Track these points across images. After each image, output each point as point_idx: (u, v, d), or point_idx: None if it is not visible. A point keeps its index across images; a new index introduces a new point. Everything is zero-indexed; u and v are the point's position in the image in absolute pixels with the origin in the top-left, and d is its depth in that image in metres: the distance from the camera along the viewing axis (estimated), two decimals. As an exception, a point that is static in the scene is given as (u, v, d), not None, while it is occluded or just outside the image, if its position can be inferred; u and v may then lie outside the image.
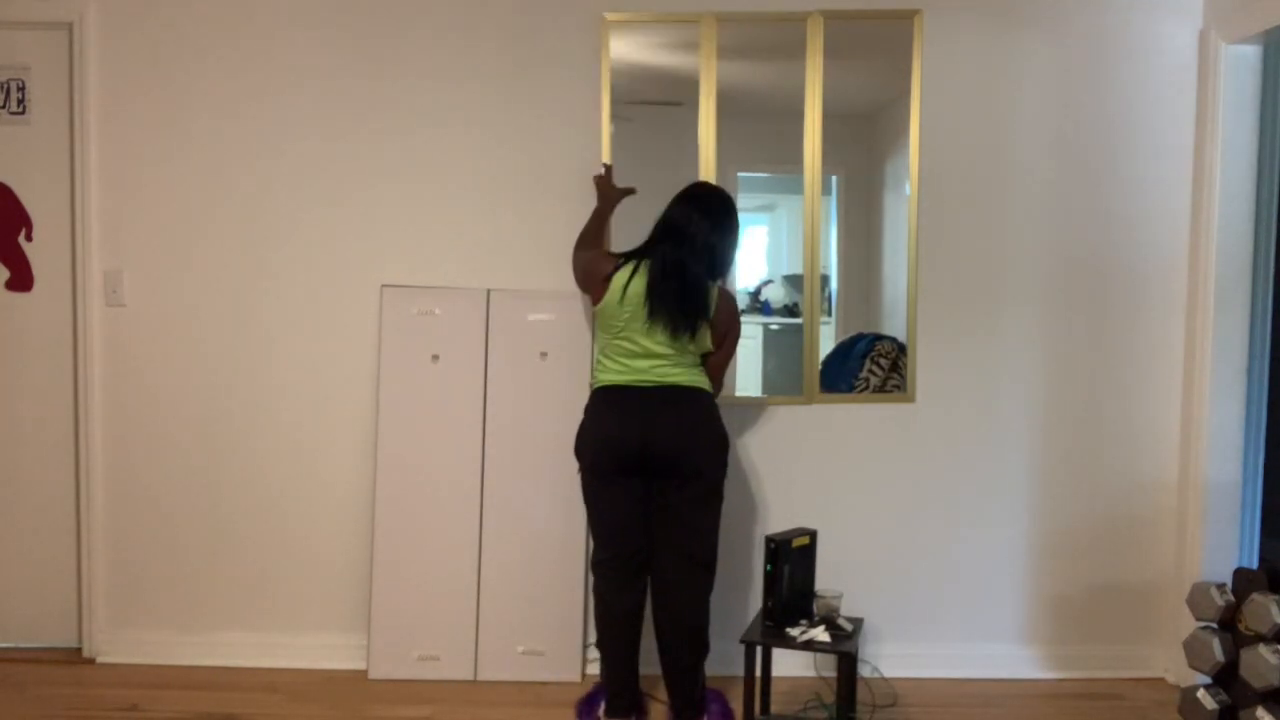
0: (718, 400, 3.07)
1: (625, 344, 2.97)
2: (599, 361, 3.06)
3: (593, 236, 3.23)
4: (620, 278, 2.96)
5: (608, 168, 3.35)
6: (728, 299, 3.06)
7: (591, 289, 3.05)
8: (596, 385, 3.03)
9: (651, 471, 2.92)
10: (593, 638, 3.41)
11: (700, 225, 2.92)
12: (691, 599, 2.99)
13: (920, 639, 3.52)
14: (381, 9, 3.46)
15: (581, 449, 3.00)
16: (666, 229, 2.96)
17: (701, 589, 3.00)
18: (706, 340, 3.00)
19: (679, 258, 2.90)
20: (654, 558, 3.00)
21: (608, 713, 3.03)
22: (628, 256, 3.00)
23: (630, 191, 3.29)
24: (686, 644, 2.99)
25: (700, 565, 2.99)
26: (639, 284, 2.93)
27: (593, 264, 3.07)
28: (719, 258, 2.97)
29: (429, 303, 3.49)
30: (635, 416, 2.92)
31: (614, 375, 2.98)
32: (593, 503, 3.01)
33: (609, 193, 3.29)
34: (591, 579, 3.08)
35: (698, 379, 2.99)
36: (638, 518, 2.97)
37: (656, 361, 2.95)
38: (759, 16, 3.40)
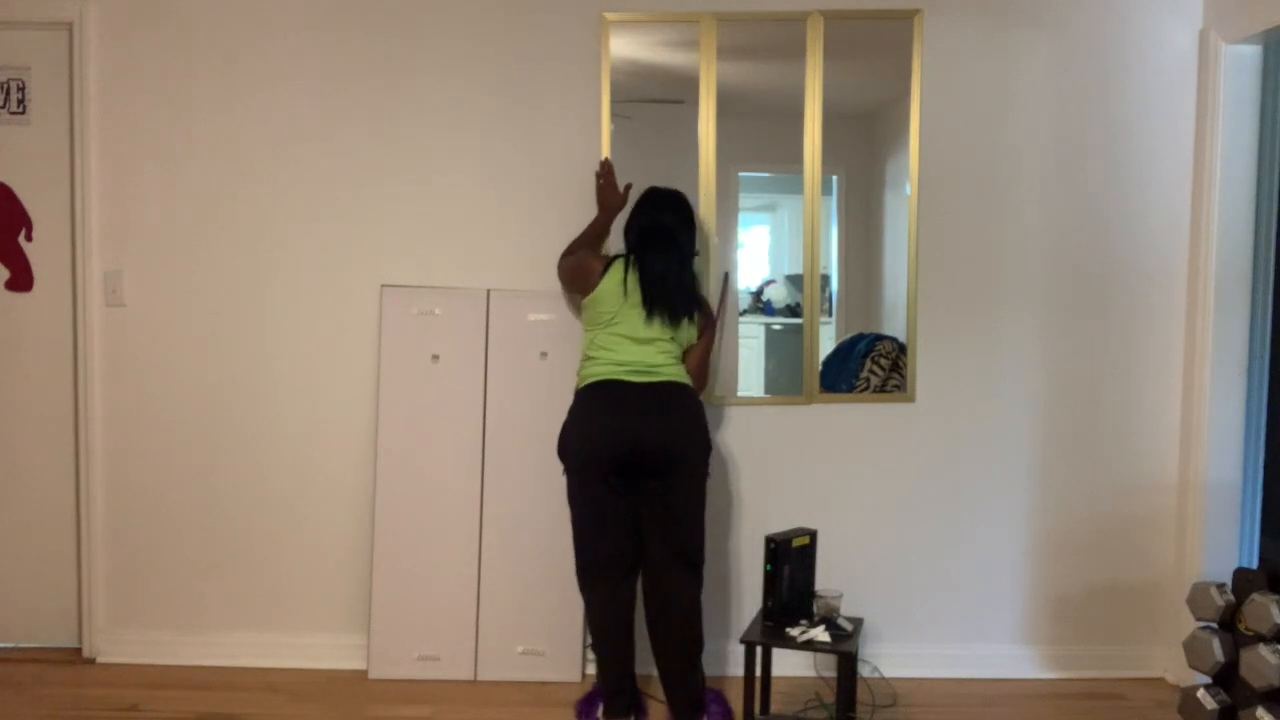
0: (705, 394, 3.09)
1: (621, 328, 3.00)
2: (587, 356, 3.06)
3: (586, 244, 3.25)
4: (616, 271, 3.04)
5: (607, 164, 3.34)
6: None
7: (586, 281, 3.10)
8: (583, 383, 3.03)
9: (640, 471, 2.92)
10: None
11: (675, 226, 3.06)
12: (684, 597, 2.99)
13: (920, 639, 3.52)
14: (381, 9, 3.46)
15: (567, 449, 2.99)
16: (642, 235, 3.06)
17: (693, 586, 3.01)
18: (694, 331, 3.09)
19: (667, 265, 3.02)
20: (644, 558, 3.00)
21: (606, 713, 3.03)
22: (614, 258, 3.09)
23: (629, 188, 3.28)
24: (681, 642, 2.99)
25: (691, 563, 3.00)
26: (635, 276, 3.01)
27: (585, 261, 3.16)
28: (690, 250, 3.11)
29: (429, 303, 3.49)
30: (624, 415, 2.92)
31: (604, 368, 2.98)
32: (580, 505, 3.00)
33: (611, 202, 3.28)
34: (580, 583, 3.08)
35: (683, 375, 3.03)
36: (625, 519, 2.97)
37: (653, 349, 2.99)
38: (759, 16, 3.40)
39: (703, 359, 3.14)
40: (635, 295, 3.00)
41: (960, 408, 3.50)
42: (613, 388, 2.96)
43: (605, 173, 3.30)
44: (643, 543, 2.99)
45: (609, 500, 2.95)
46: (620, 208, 3.27)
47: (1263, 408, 3.37)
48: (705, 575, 3.07)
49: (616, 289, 3.01)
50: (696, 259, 3.17)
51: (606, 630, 3.01)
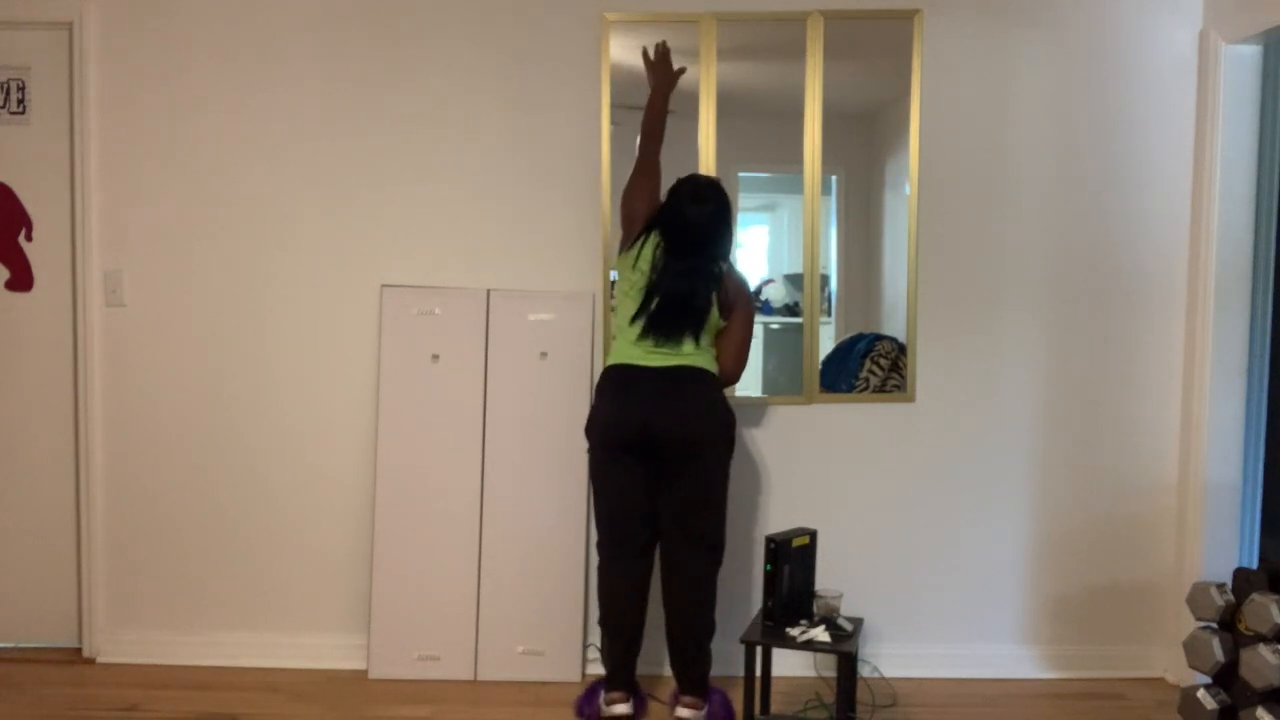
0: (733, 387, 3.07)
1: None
2: (613, 336, 3.06)
3: (645, 147, 3.14)
4: (648, 248, 2.99)
5: (663, 44, 3.18)
6: (734, 274, 3.06)
7: (630, 212, 3.09)
8: (607, 363, 3.04)
9: (656, 454, 2.92)
10: (593, 638, 3.42)
11: (709, 223, 2.96)
12: (693, 579, 3.00)
13: (920, 639, 3.52)
14: (381, 9, 3.46)
15: (588, 429, 3.02)
16: (668, 231, 2.98)
17: (707, 569, 3.02)
18: (715, 320, 2.99)
19: (688, 287, 2.93)
20: (662, 538, 3.01)
21: (608, 688, 3.05)
22: (650, 227, 3.02)
23: (682, 71, 3.19)
24: (686, 622, 3.01)
25: (706, 546, 3.00)
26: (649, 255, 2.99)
27: (634, 189, 3.11)
28: (724, 250, 3.02)
29: (429, 303, 3.49)
30: (632, 399, 2.93)
31: (622, 346, 2.99)
32: (598, 483, 3.02)
33: (666, 75, 3.16)
34: (596, 558, 3.10)
35: (707, 359, 2.98)
36: (642, 499, 2.98)
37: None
38: (759, 16, 3.40)
39: (736, 346, 3.03)
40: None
41: (960, 408, 3.49)
42: (625, 371, 2.97)
43: (660, 51, 3.17)
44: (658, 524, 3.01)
45: (623, 480, 2.96)
46: (669, 84, 3.16)
47: (1263, 408, 3.37)
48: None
49: (644, 265, 2.97)
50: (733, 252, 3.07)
51: (615, 600, 3.02)
